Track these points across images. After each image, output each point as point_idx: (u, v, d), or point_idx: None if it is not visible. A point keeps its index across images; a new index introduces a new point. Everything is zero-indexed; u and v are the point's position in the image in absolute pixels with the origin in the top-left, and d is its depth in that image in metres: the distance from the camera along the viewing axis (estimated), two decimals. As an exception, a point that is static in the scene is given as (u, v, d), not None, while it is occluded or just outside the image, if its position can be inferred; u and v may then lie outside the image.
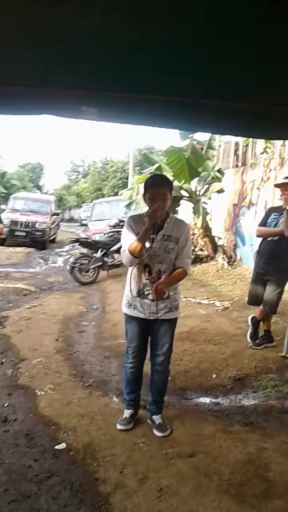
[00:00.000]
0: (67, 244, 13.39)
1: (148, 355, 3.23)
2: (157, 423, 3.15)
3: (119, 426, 3.16)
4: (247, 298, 5.98)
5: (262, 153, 8.97)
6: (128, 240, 2.90)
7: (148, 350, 3.22)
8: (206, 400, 3.78)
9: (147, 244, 2.87)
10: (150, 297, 2.97)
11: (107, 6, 2.62)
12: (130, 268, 3.03)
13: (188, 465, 2.75)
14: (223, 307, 6.59)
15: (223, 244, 10.93)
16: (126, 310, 3.12)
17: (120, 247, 9.01)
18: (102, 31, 2.80)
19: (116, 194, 31.12)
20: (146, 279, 2.98)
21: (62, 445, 2.96)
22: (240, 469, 2.69)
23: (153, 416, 3.20)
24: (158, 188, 2.90)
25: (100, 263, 9.21)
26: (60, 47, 2.89)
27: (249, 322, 4.98)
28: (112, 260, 9.41)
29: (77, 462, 2.79)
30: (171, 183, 3.08)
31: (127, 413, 3.25)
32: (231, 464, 2.75)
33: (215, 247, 10.46)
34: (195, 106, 3.61)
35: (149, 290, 2.96)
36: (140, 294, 3.00)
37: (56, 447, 2.94)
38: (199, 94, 3.53)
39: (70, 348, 4.95)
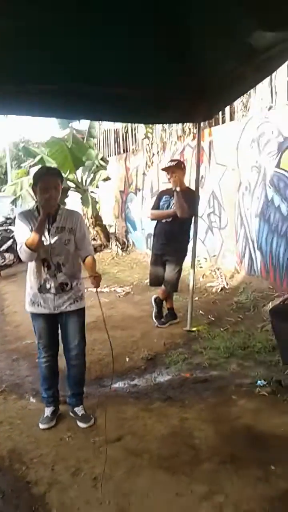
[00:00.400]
0: None
1: (61, 351, 3.19)
2: (80, 415, 3.12)
3: (41, 425, 3.08)
4: (147, 281, 6.19)
5: (144, 138, 9.19)
6: (23, 235, 2.82)
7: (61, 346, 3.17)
8: (123, 384, 3.84)
9: (44, 238, 2.83)
10: (52, 291, 2.94)
11: None
12: (29, 265, 2.99)
13: (117, 449, 2.78)
14: (124, 292, 6.71)
15: (115, 231, 11.07)
16: (30, 308, 3.05)
17: (10, 246, 8.75)
18: None
19: (-6, 190, 29.68)
20: (46, 273, 2.94)
21: (-14, 456, 2.80)
22: (167, 443, 2.79)
23: (75, 408, 3.17)
24: (49, 177, 2.87)
25: (-9, 264, 8.78)
26: None
27: (153, 303, 5.14)
28: (3, 260, 9.03)
29: (4, 469, 2.66)
30: (60, 173, 3.06)
31: (47, 411, 3.18)
32: (158, 439, 2.84)
33: (107, 235, 10.57)
34: (78, 93, 3.61)
35: (50, 283, 2.93)
36: (42, 289, 2.95)
37: (-20, 459, 2.78)
38: (81, 81, 3.54)
39: (-26, 356, 4.66)
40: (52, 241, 2.86)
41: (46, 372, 3.18)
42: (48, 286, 2.95)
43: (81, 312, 3.09)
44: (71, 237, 2.93)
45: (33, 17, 2.77)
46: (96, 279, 2.85)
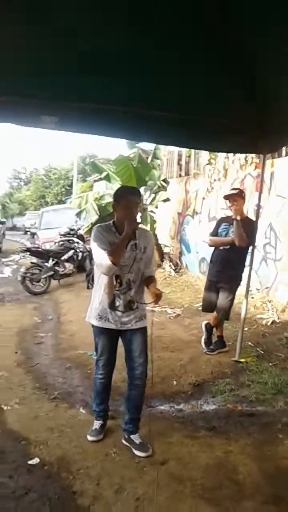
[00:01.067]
0: (18, 254, 13.07)
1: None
2: (138, 443, 3.08)
3: (90, 437, 3.20)
4: (198, 305, 6.25)
5: (207, 164, 9.31)
6: (101, 247, 2.88)
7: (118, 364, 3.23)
8: (169, 407, 3.92)
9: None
10: (120, 308, 3.01)
11: (66, 17, 2.72)
12: (100, 279, 3.05)
13: (161, 472, 2.84)
14: (175, 314, 6.79)
15: (169, 252, 11.20)
16: (96, 322, 3.10)
17: (71, 256, 9.09)
18: (64, 42, 2.91)
19: (60, 201, 30.78)
20: (117, 290, 3.01)
21: (36, 460, 2.97)
22: (210, 473, 2.84)
23: (132, 436, 3.13)
24: (133, 197, 2.99)
25: (52, 272, 9.15)
26: (20, 56, 2.96)
27: (203, 329, 5.19)
28: (63, 269, 9.37)
29: (52, 476, 2.82)
30: (141, 193, 3.19)
31: (97, 424, 3.28)
32: (202, 468, 2.89)
33: (162, 255, 10.70)
34: (148, 118, 3.79)
35: (120, 301, 3.00)
36: (112, 305, 3.02)
37: (30, 462, 2.95)
38: (152, 106, 3.71)
39: (30, 360, 4.93)
40: (126, 258, 2.94)
41: (100, 388, 3.26)
42: (117, 303, 3.01)
43: (144, 331, 3.13)
44: (143, 255, 3.01)
45: (110, 44, 2.98)
46: (158, 295, 2.89)
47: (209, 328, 5.15)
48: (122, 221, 2.90)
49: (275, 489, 2.69)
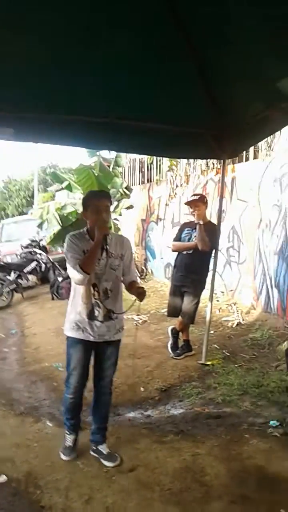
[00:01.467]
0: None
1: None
2: (105, 453, 3.05)
3: (64, 457, 3.06)
4: (164, 310, 6.28)
5: (168, 170, 9.42)
6: (74, 256, 2.78)
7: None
8: (137, 414, 3.91)
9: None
10: (99, 318, 2.89)
11: (21, 30, 2.72)
12: (76, 289, 2.94)
13: (129, 480, 2.84)
14: (141, 320, 6.79)
15: (134, 258, 11.19)
16: (73, 333, 2.95)
17: (34, 268, 8.92)
18: (18, 55, 2.90)
19: (21, 213, 30.21)
20: (95, 299, 2.89)
21: (3, 478, 2.88)
22: (178, 477, 2.84)
23: (99, 446, 3.09)
24: (101, 199, 2.87)
25: (14, 285, 8.98)
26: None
27: (169, 334, 5.22)
28: (26, 281, 9.22)
29: (20, 493, 2.75)
30: (110, 195, 3.05)
31: (69, 439, 3.12)
32: (170, 473, 2.89)
33: (127, 262, 10.68)
34: (107, 127, 3.82)
35: (99, 310, 2.89)
36: (91, 315, 2.90)
37: (-4, 480, 2.88)
38: (112, 115, 3.75)
39: (-6, 376, 4.80)
40: (102, 266, 2.85)
41: (71, 407, 3.10)
42: (96, 312, 2.89)
43: (119, 343, 3.08)
44: (120, 262, 2.91)
45: (67, 55, 3.00)
46: (141, 292, 2.84)
47: (175, 333, 5.18)
48: (93, 227, 2.81)
49: (242, 489, 2.72)
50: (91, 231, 2.86)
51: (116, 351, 3.07)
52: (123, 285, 3.05)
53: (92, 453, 3.11)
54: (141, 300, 2.87)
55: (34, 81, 3.18)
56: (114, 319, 2.95)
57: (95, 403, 3.14)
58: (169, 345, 5.18)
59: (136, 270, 10.33)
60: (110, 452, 3.07)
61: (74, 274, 2.78)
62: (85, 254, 2.78)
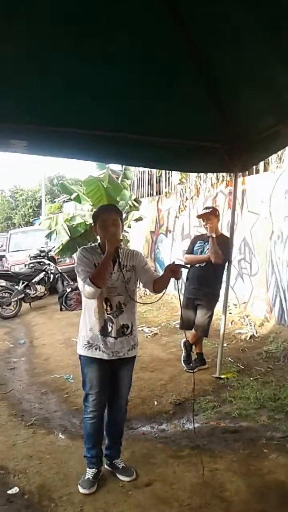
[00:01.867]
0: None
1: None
2: (121, 468, 2.98)
3: (81, 489, 2.81)
4: (175, 323, 6.23)
5: (178, 183, 9.43)
6: (85, 270, 2.72)
7: None
8: (151, 427, 3.84)
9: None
10: (113, 334, 2.80)
11: (34, 44, 2.75)
12: (87, 305, 2.86)
13: (146, 494, 2.77)
14: (152, 333, 6.73)
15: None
16: (86, 352, 2.84)
17: (42, 278, 8.95)
18: (28, 68, 2.92)
19: (27, 223, 30.44)
20: (108, 314, 2.80)
21: (15, 489, 2.83)
22: (197, 493, 2.76)
23: (114, 461, 3.02)
24: (110, 213, 2.83)
25: (22, 295, 8.99)
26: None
27: (182, 347, 5.16)
28: (34, 292, 9.22)
29: (33, 506, 2.69)
30: (119, 209, 3.00)
31: (90, 473, 2.90)
32: (188, 488, 2.81)
33: (136, 274, 10.65)
34: (118, 141, 3.83)
35: (112, 325, 2.80)
36: (104, 331, 2.80)
37: (9, 491, 2.82)
38: (122, 129, 3.76)
39: (4, 387, 4.77)
40: (114, 280, 2.78)
41: (91, 430, 2.94)
42: (109, 328, 2.80)
43: (134, 360, 3.00)
44: (132, 275, 2.84)
45: (79, 69, 3.02)
46: (175, 270, 2.63)
47: (188, 346, 5.11)
48: (103, 241, 2.76)
49: (263, 504, 2.64)
50: (102, 245, 2.80)
51: (131, 368, 2.98)
52: (135, 303, 2.94)
53: (107, 467, 3.04)
54: (177, 278, 2.64)
55: (46, 95, 3.20)
56: (128, 335, 2.85)
57: (109, 420, 3.03)
58: (182, 358, 5.11)
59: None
60: (125, 467, 3.00)
61: (85, 288, 2.70)
62: (96, 267, 2.72)
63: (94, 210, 3.08)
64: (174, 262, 2.79)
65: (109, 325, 2.81)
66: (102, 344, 2.80)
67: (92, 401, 2.88)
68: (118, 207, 3.20)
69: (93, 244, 2.95)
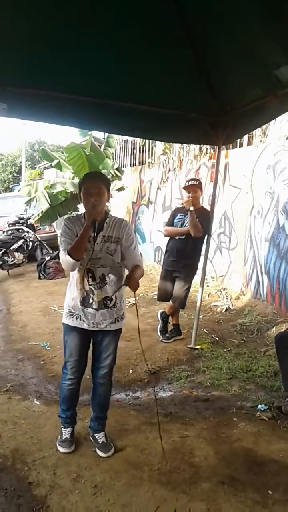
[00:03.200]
0: None
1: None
2: (100, 442, 2.95)
3: (61, 449, 2.90)
4: (153, 294, 6.27)
5: (161, 154, 9.32)
6: (65, 241, 2.69)
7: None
8: (126, 395, 3.92)
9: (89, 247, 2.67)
10: (94, 305, 2.78)
11: (19, 7, 2.64)
12: (72, 275, 2.84)
13: (118, 459, 2.85)
14: (130, 303, 6.72)
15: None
16: (67, 320, 2.86)
17: (20, 245, 8.83)
18: (14, 30, 2.81)
19: (7, 188, 29.86)
20: (90, 285, 2.76)
21: (-12, 453, 2.87)
22: (167, 458, 2.85)
23: (96, 434, 3.00)
24: (92, 182, 2.72)
25: (0, 262, 8.87)
26: None
27: (159, 317, 5.22)
28: (12, 259, 9.12)
29: (7, 469, 2.73)
30: (107, 178, 2.90)
31: (65, 432, 2.99)
32: (159, 454, 2.89)
33: (116, 244, 10.62)
34: (102, 107, 3.75)
35: (93, 297, 2.77)
36: (84, 302, 2.79)
37: (-18, 456, 2.85)
38: (107, 96, 3.68)
39: (-21, 353, 4.75)
40: (98, 250, 2.70)
41: (68, 395, 2.98)
42: (90, 300, 2.78)
43: (118, 332, 2.95)
44: (117, 247, 2.75)
45: (64, 32, 2.92)
46: (134, 280, 2.58)
47: (164, 316, 5.18)
48: (86, 210, 2.68)
49: (230, 470, 2.75)
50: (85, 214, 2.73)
51: (114, 341, 2.93)
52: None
53: (90, 438, 3.04)
54: (130, 286, 2.60)
55: (29, 57, 3.09)
56: (111, 307, 2.82)
57: (94, 392, 3.03)
58: (158, 329, 5.18)
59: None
60: (105, 442, 2.96)
61: (63, 259, 2.69)
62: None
63: (82, 176, 2.92)
64: (135, 273, 2.64)
65: (90, 296, 2.77)
66: (83, 314, 2.80)
67: (70, 368, 2.90)
68: (104, 174, 3.09)
69: (79, 213, 2.85)
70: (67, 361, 2.92)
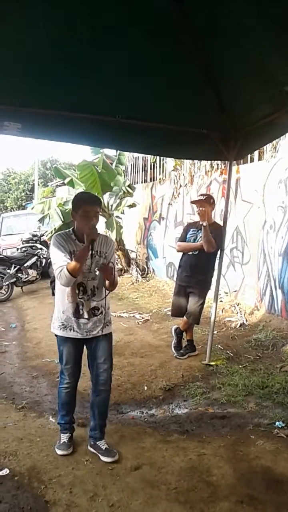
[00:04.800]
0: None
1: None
2: (104, 449, 3.02)
3: (59, 451, 3.04)
4: (166, 309, 6.25)
5: (172, 170, 9.39)
6: (61, 259, 2.83)
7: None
8: (141, 412, 3.90)
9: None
10: (85, 315, 2.96)
11: (31, 23, 2.71)
12: (60, 289, 2.98)
13: (134, 478, 2.81)
14: (143, 319, 6.77)
15: (136, 257, 11.19)
16: (60, 332, 3.02)
17: (34, 262, 8.93)
18: (26, 47, 2.88)
19: (20, 206, 30.26)
20: (80, 298, 2.95)
21: (5, 471, 2.85)
22: (185, 477, 2.81)
23: (98, 442, 3.06)
24: (92, 206, 2.89)
25: (14, 279, 8.98)
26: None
27: (173, 333, 5.20)
28: (26, 276, 9.21)
29: (23, 487, 2.71)
30: (100, 201, 3.10)
31: (64, 437, 3.13)
32: (176, 472, 2.86)
33: (128, 260, 10.68)
34: (114, 125, 3.81)
35: (84, 308, 2.95)
36: (76, 313, 2.96)
37: (-1, 473, 2.85)
38: (118, 114, 3.74)
39: (-5, 370, 4.77)
40: (89, 265, 2.89)
41: (65, 399, 3.15)
42: (81, 311, 2.96)
43: (110, 337, 3.10)
44: (104, 261, 2.95)
45: (75, 54, 2.99)
46: (105, 268, 2.86)
47: (178, 332, 5.16)
48: (80, 229, 2.87)
49: (249, 489, 2.69)
50: (77, 231, 2.92)
51: (108, 346, 3.06)
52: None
53: (90, 448, 3.09)
54: (103, 271, 2.88)
55: (42, 77, 3.17)
56: (99, 315, 2.99)
57: (92, 400, 3.13)
58: (172, 345, 5.15)
59: (138, 268, 10.43)
60: (108, 448, 3.04)
61: (61, 276, 2.79)
62: (73, 256, 2.82)
63: (76, 195, 3.13)
64: (109, 264, 2.92)
65: (81, 308, 2.96)
66: (76, 325, 2.97)
67: (67, 374, 3.08)
68: (99, 197, 3.30)
69: (67, 231, 3.00)
70: (64, 369, 3.10)
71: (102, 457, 2.99)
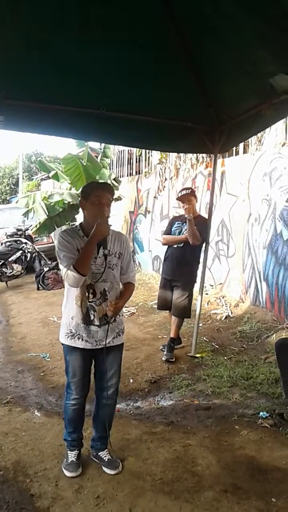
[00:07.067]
0: None
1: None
2: (107, 460, 2.85)
3: (68, 473, 2.76)
4: (152, 303, 6.25)
5: (158, 163, 9.38)
6: (67, 257, 2.52)
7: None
8: (126, 405, 3.91)
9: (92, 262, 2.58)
10: (96, 322, 2.67)
11: (16, 18, 2.67)
12: (69, 291, 2.71)
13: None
14: (129, 312, 6.77)
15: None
16: (68, 341, 2.70)
17: (19, 257, 8.83)
18: (8, 39, 2.84)
19: (4, 200, 29.93)
20: (90, 301, 2.65)
21: (-10, 466, 2.85)
22: (170, 467, 2.84)
23: (100, 453, 2.89)
24: (105, 193, 2.58)
25: (-1, 274, 8.89)
26: None
27: (168, 344, 4.96)
28: (11, 270, 9.14)
29: (9, 481, 2.71)
30: (114, 190, 2.74)
31: (72, 455, 2.85)
32: (161, 463, 2.89)
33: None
34: (99, 118, 3.78)
35: (94, 314, 2.66)
36: (85, 320, 2.66)
37: (-16, 468, 2.83)
38: (103, 106, 3.72)
39: (-21, 365, 4.74)
40: (99, 264, 2.61)
41: (73, 416, 2.85)
42: (92, 316, 2.66)
43: (121, 347, 2.85)
44: (118, 262, 2.69)
45: (59, 45, 2.95)
46: (118, 308, 2.62)
47: (171, 342, 4.94)
48: (90, 222, 2.53)
49: (233, 478, 2.73)
50: (86, 226, 2.62)
51: (118, 357, 2.83)
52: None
53: (93, 458, 2.94)
54: (110, 316, 2.64)
55: (27, 70, 3.14)
56: (112, 322, 2.70)
57: (97, 413, 2.92)
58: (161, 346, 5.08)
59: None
60: (111, 459, 2.87)
61: (69, 275, 2.51)
62: (79, 253, 2.54)
63: (87, 184, 2.83)
64: (118, 306, 2.65)
65: (91, 313, 2.66)
66: (85, 333, 2.67)
67: (74, 389, 2.79)
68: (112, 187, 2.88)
69: (73, 226, 2.76)
70: (71, 382, 2.79)
71: (105, 468, 2.83)
